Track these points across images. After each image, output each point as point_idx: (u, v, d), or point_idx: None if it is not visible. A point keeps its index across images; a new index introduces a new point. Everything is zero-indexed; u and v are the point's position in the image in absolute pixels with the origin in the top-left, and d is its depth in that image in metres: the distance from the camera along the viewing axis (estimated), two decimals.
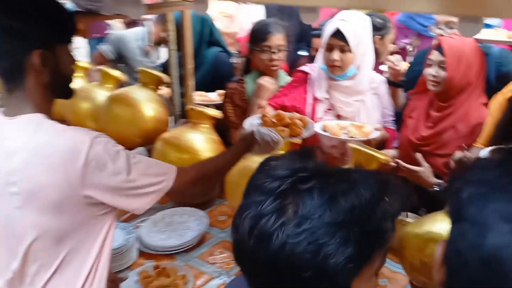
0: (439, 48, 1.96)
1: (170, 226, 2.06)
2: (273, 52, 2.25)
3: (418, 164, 1.91)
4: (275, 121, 1.86)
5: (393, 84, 2.43)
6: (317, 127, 1.96)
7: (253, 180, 0.75)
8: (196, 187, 1.43)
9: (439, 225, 1.52)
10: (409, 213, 1.89)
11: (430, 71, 1.97)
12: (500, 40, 2.28)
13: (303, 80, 2.25)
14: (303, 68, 2.29)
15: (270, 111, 2.06)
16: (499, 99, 1.85)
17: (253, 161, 1.89)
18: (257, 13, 3.72)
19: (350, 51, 2.05)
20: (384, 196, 0.72)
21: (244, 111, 2.31)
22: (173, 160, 2.12)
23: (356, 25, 2.06)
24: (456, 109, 1.93)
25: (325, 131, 1.96)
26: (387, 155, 1.71)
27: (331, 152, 2.15)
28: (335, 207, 0.68)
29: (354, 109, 2.18)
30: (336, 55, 2.06)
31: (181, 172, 1.34)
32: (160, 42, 3.29)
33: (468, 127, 1.94)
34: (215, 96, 2.78)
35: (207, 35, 2.91)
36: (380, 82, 2.26)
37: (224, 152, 1.66)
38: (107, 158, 1.16)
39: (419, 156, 1.87)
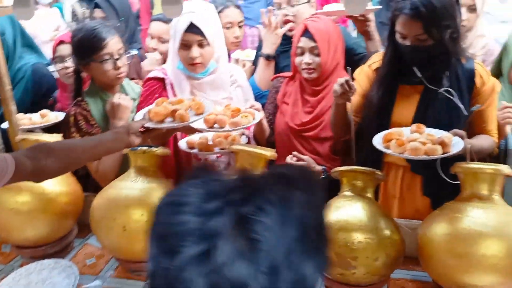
0: (306, 34, 1.93)
1: None
2: (116, 59, 1.94)
3: (298, 151, 1.89)
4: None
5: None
6: (182, 145, 1.83)
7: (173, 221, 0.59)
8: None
9: (344, 211, 1.45)
10: None
11: (303, 59, 1.94)
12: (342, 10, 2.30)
13: (159, 87, 1.99)
14: (154, 74, 2.02)
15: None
16: (365, 70, 1.87)
17: (121, 188, 1.62)
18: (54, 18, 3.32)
19: (208, 44, 1.87)
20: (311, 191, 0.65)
21: None
22: (15, 206, 1.69)
23: (208, 15, 1.88)
24: (329, 91, 1.91)
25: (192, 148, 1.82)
26: (272, 150, 1.59)
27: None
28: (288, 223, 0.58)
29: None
30: (195, 51, 1.86)
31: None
32: None
33: None
34: (54, 117, 2.34)
35: (20, 42, 2.45)
36: (238, 72, 2.15)
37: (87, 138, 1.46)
38: None
39: (295, 153, 1.93)
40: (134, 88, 2.16)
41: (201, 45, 1.88)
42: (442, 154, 1.51)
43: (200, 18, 1.85)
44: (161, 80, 2.00)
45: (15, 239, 1.78)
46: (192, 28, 1.85)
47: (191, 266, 0.55)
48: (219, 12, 2.56)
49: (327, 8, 2.46)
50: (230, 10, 2.63)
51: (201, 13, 1.87)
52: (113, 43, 1.94)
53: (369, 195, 1.54)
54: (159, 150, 1.67)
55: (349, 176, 1.55)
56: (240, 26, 2.69)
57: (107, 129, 2.00)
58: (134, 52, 2.87)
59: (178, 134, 1.93)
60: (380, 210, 1.49)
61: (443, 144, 1.52)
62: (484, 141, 1.75)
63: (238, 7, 2.71)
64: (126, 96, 2.02)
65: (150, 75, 2.04)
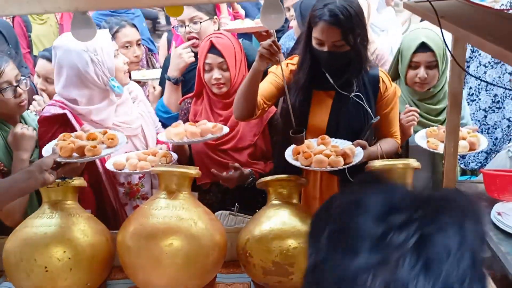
0: (212, 50, 1.93)
1: None
2: (16, 86, 1.80)
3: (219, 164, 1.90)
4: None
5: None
6: (110, 167, 1.82)
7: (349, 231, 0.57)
8: None
9: (276, 220, 1.48)
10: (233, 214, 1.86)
11: (212, 75, 1.95)
12: (250, 27, 2.36)
13: (59, 124, 1.87)
14: (50, 111, 1.88)
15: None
16: (283, 67, 1.88)
17: (37, 226, 1.50)
18: None
19: None
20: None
21: (1, 172, 1.81)
22: None
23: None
24: None
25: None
26: (196, 168, 1.58)
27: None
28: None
29: (137, 125, 2.03)
30: None
31: None
32: None
33: None
34: None
35: None
36: (136, 88, 2.16)
37: None
38: None
39: (213, 171, 1.94)
40: (33, 118, 2.01)
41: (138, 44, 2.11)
42: (345, 165, 1.62)
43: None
44: (59, 116, 1.88)
45: None
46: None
47: (368, 272, 0.53)
48: (115, 33, 2.49)
49: (233, 25, 2.51)
50: (127, 29, 2.56)
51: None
52: (9, 70, 1.80)
53: (295, 200, 1.60)
54: (75, 181, 1.57)
55: (275, 185, 1.58)
56: (138, 45, 2.63)
57: (9, 163, 1.84)
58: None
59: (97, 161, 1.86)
60: (306, 214, 1.54)
61: (345, 155, 1.63)
62: (389, 145, 1.89)
63: (133, 25, 2.65)
64: (29, 126, 1.88)
65: (46, 113, 1.89)
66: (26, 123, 1.94)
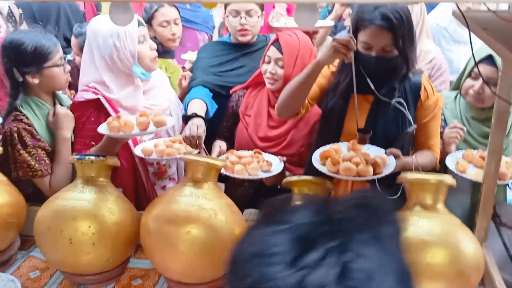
0: (276, 44, 1.93)
1: None
2: (63, 64, 1.89)
3: None
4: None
5: None
6: (138, 152, 1.90)
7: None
8: None
9: None
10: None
11: (268, 68, 1.94)
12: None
13: (93, 110, 1.96)
14: (84, 96, 1.96)
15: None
16: (325, 69, 1.84)
17: (67, 199, 1.56)
18: None
19: None
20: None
21: (46, 151, 1.91)
22: None
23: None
24: None
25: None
26: (224, 160, 1.59)
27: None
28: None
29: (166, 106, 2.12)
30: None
31: None
32: None
33: (308, 125, 1.97)
34: None
35: None
36: (163, 74, 2.24)
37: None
38: None
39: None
40: (64, 98, 2.11)
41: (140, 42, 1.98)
42: (374, 175, 1.55)
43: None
44: (93, 102, 1.95)
45: None
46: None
47: None
48: (154, 12, 2.57)
49: (279, 23, 2.50)
50: (165, 8, 2.61)
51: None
52: (60, 48, 1.89)
53: None
54: (109, 160, 1.63)
55: (300, 186, 1.56)
56: (176, 24, 2.67)
57: (52, 143, 1.94)
58: (70, 57, 2.83)
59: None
60: None
61: (375, 165, 1.57)
62: (426, 158, 1.80)
63: (173, 5, 2.69)
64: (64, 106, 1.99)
65: (80, 98, 1.97)
66: (61, 104, 2.02)
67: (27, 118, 1.91)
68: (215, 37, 3.72)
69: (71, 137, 1.96)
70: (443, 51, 2.73)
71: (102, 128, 1.76)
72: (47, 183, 1.92)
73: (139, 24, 1.96)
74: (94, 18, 2.08)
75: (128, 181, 1.99)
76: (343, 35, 1.54)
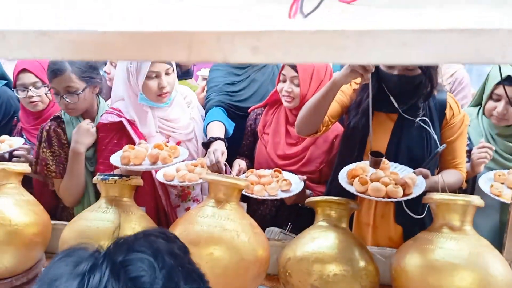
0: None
1: None
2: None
3: None
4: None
5: None
6: (160, 178, 1.91)
7: None
8: None
9: (319, 242, 1.45)
10: (284, 232, 1.83)
11: (284, 87, 1.94)
12: None
13: (116, 132, 1.99)
14: (108, 119, 1.99)
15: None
16: (346, 86, 1.85)
17: (91, 219, 1.58)
18: None
19: (173, 71, 1.94)
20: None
21: (66, 157, 1.94)
22: None
23: None
24: None
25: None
26: (246, 180, 1.58)
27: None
28: None
29: (190, 129, 2.10)
30: (165, 81, 1.91)
31: None
32: None
33: (327, 142, 1.96)
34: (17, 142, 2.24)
35: None
36: (190, 93, 2.22)
37: None
38: None
39: None
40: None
41: (167, 73, 1.89)
42: (403, 196, 1.53)
43: None
44: (116, 124, 1.98)
45: None
46: None
47: None
48: None
49: None
50: None
51: None
52: None
53: (344, 225, 1.54)
54: (132, 180, 1.64)
55: (323, 206, 1.54)
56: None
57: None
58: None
59: None
60: (354, 241, 1.49)
61: (405, 185, 1.54)
62: (452, 177, 1.77)
63: None
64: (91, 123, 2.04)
65: (104, 120, 2.00)
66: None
67: (63, 122, 2.03)
68: None
69: (90, 155, 2.04)
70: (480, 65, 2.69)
71: (114, 159, 1.77)
72: (58, 185, 2.04)
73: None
74: None
75: (150, 203, 2.00)
76: None
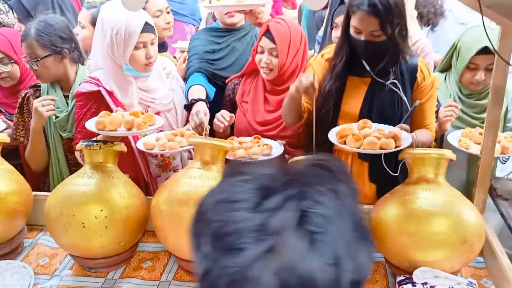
0: (268, 34, 1.96)
1: None
2: None
3: None
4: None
5: None
6: (140, 146, 1.89)
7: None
8: None
9: None
10: None
11: (262, 58, 1.97)
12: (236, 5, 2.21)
13: (94, 101, 1.98)
14: (86, 88, 1.97)
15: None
16: (319, 59, 1.94)
17: (77, 184, 1.59)
18: None
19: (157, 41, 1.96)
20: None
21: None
22: None
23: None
24: None
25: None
26: (230, 141, 1.62)
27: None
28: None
29: (169, 100, 2.10)
30: (152, 50, 1.94)
31: None
32: None
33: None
34: None
35: None
36: (169, 63, 2.21)
37: None
38: None
39: None
40: None
41: (152, 43, 1.92)
42: (395, 147, 1.60)
43: (148, 16, 1.87)
44: (94, 93, 1.96)
45: None
46: (146, 27, 1.88)
47: (257, 264, 0.53)
48: (146, 2, 2.56)
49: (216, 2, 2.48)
50: None
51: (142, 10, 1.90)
52: None
53: None
54: (116, 146, 1.65)
55: None
56: (168, 12, 2.67)
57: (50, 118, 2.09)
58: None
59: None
60: None
61: (395, 138, 1.61)
62: (423, 136, 1.86)
63: None
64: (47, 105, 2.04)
65: (82, 89, 1.98)
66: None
67: (39, 90, 2.13)
68: None
69: (64, 122, 2.13)
70: (447, 33, 2.77)
71: (89, 124, 1.73)
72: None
73: (148, 30, 1.92)
74: (105, 4, 2.04)
75: (129, 172, 2.00)
76: (306, 79, 1.64)
